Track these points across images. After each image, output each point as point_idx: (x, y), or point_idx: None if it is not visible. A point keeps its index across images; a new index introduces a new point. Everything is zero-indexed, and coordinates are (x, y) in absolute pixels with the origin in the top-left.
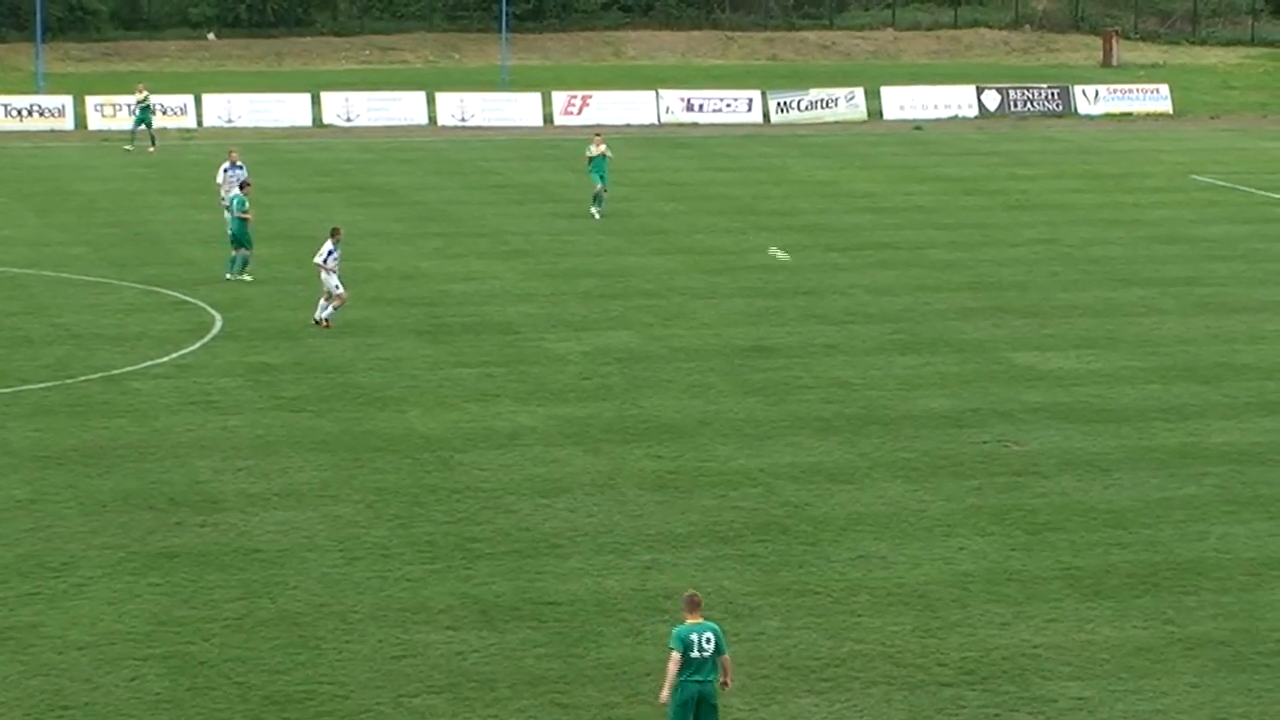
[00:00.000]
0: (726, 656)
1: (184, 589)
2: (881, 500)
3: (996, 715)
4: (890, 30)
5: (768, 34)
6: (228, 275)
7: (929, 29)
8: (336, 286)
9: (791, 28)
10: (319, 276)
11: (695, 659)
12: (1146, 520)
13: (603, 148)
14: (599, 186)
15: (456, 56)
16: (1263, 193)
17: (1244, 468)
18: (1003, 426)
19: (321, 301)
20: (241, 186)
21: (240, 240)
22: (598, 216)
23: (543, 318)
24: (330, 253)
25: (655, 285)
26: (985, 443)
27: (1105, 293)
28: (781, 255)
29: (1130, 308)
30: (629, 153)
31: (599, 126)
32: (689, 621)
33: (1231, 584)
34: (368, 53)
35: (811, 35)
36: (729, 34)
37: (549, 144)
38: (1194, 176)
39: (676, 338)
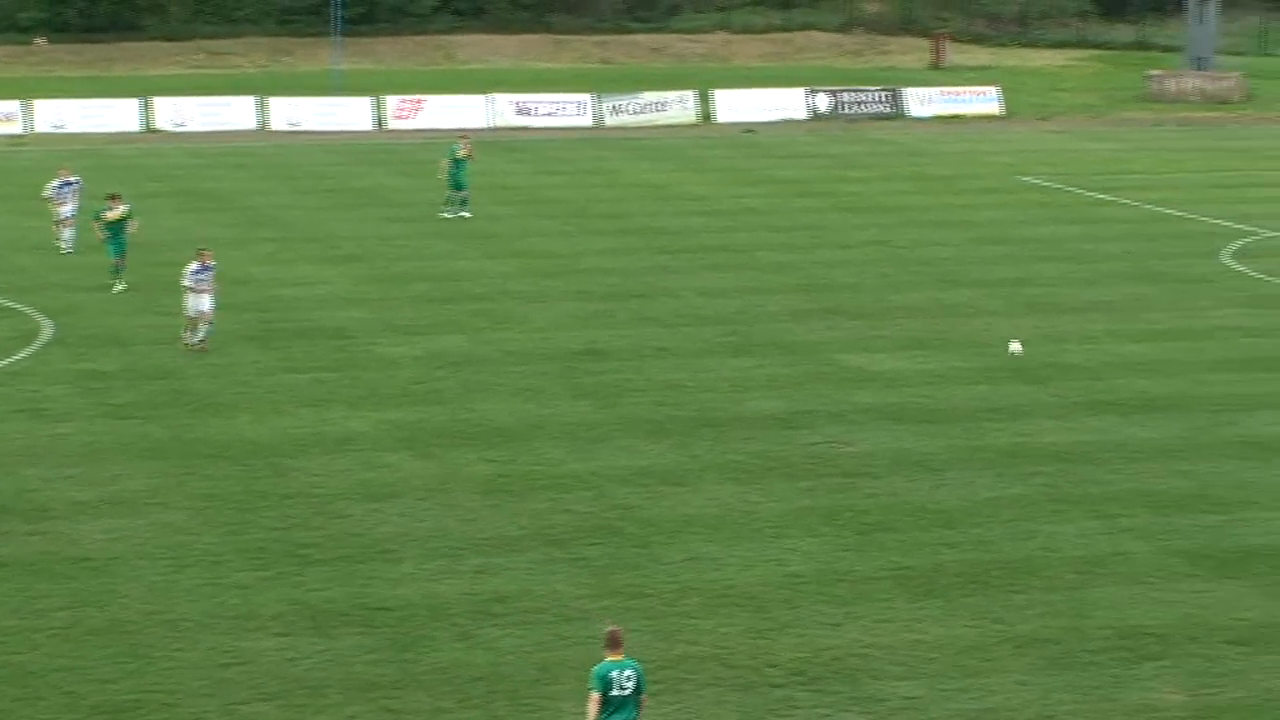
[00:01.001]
0: (645, 696)
1: (12, 599)
2: (713, 502)
3: (827, 715)
4: (722, 33)
5: (600, 37)
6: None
7: (761, 32)
8: (194, 309)
9: (623, 31)
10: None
11: (616, 697)
12: (975, 520)
13: (468, 149)
14: (464, 192)
15: (288, 61)
16: (1090, 193)
17: (1071, 467)
18: (833, 428)
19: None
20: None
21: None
22: (468, 215)
23: (374, 322)
24: (195, 272)
25: (487, 289)
26: (816, 444)
27: (935, 294)
28: (1017, 347)
29: (960, 309)
30: None
31: (431, 131)
32: (609, 659)
33: (1059, 582)
34: (199, 57)
35: (643, 38)
36: (561, 37)
37: (381, 148)
38: (1022, 178)
39: (508, 341)
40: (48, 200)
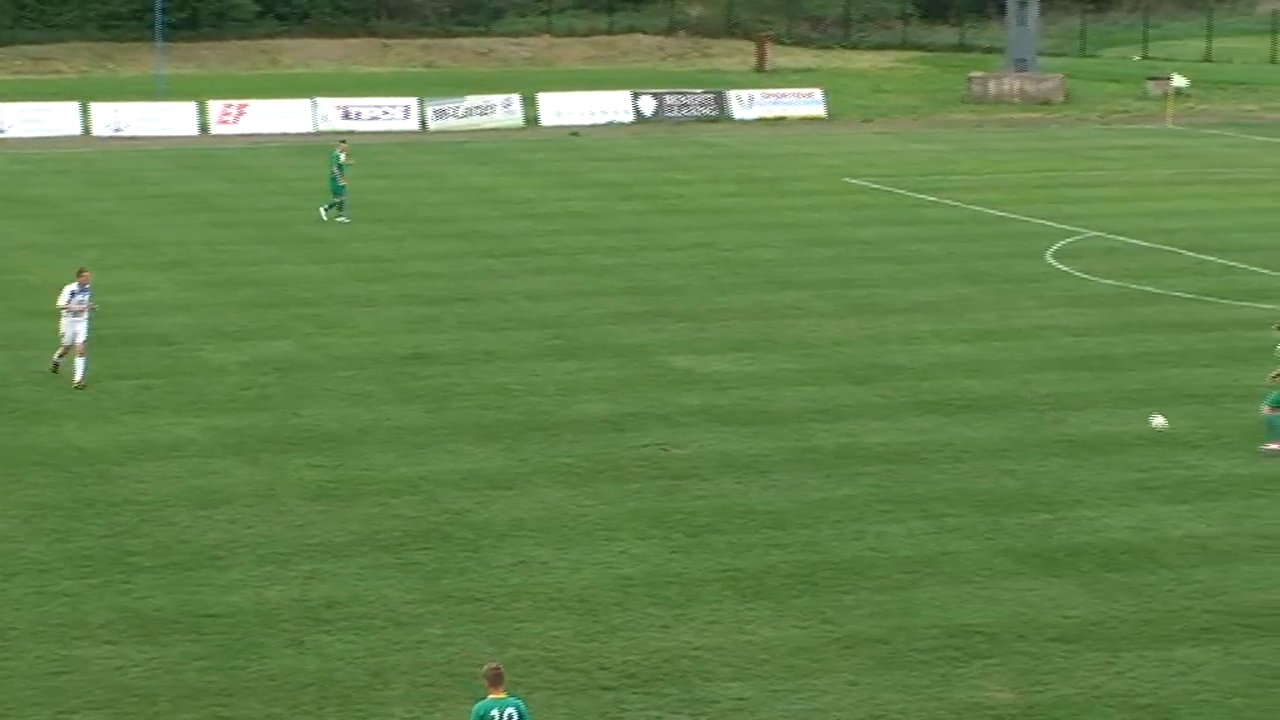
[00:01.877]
0: None
1: None
2: (542, 506)
3: (659, 718)
4: (547, 36)
5: (424, 41)
6: None
7: (585, 35)
8: (70, 335)
9: (448, 35)
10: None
11: None
12: (805, 521)
13: (347, 154)
14: (340, 197)
15: (111, 66)
16: (915, 195)
17: (899, 467)
18: (662, 430)
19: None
20: None
21: None
22: (346, 220)
23: (200, 328)
24: (73, 294)
25: (314, 294)
26: (645, 446)
27: (762, 296)
28: (1160, 422)
29: (786, 310)
30: (285, 161)
31: (256, 135)
32: (491, 696)
33: (888, 582)
34: (19, 63)
35: (468, 42)
36: (386, 41)
37: (206, 153)
38: (847, 179)
39: (336, 346)
40: None
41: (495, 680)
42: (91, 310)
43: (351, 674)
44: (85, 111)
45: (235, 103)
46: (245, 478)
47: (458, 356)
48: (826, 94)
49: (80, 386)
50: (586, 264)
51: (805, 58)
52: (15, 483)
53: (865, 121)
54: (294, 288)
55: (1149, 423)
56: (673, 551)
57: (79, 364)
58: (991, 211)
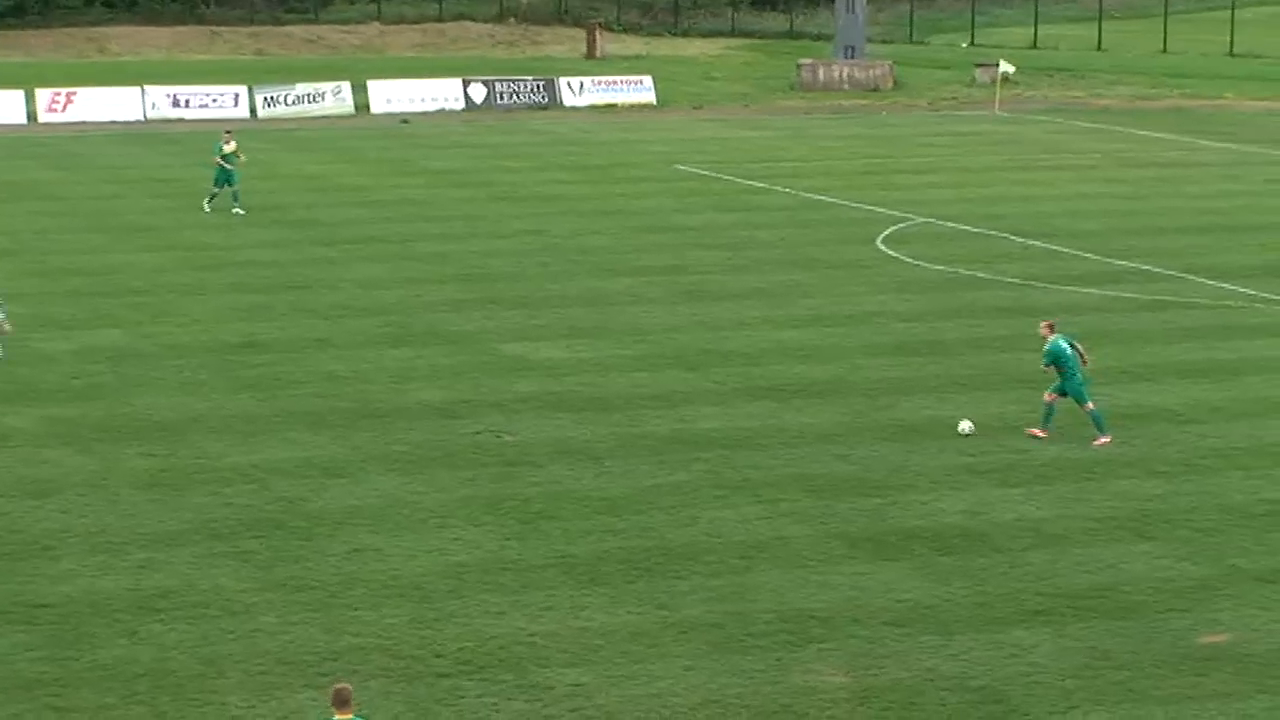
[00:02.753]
0: None
1: None
2: (375, 493)
3: (494, 704)
4: (376, 24)
5: (254, 29)
6: None
7: (415, 23)
8: None
9: (278, 22)
10: None
11: None
12: (638, 506)
13: (233, 145)
14: (228, 189)
15: None
16: (743, 181)
17: (732, 452)
18: (495, 417)
19: None
20: None
21: None
22: (242, 213)
23: (29, 317)
24: None
25: (144, 282)
26: (478, 433)
27: (593, 282)
28: (967, 427)
29: (618, 297)
30: (114, 150)
31: (84, 124)
32: (337, 718)
33: (722, 567)
34: None
35: (298, 30)
36: (215, 29)
37: (33, 141)
38: (678, 166)
39: (167, 335)
40: None
41: (341, 702)
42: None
43: (185, 663)
44: None
45: (63, 91)
46: (77, 467)
47: (290, 345)
48: (657, 81)
49: None
50: (418, 251)
51: (635, 45)
52: None
53: (695, 109)
54: (124, 276)
55: (958, 429)
56: (507, 538)
57: None
58: (821, 198)
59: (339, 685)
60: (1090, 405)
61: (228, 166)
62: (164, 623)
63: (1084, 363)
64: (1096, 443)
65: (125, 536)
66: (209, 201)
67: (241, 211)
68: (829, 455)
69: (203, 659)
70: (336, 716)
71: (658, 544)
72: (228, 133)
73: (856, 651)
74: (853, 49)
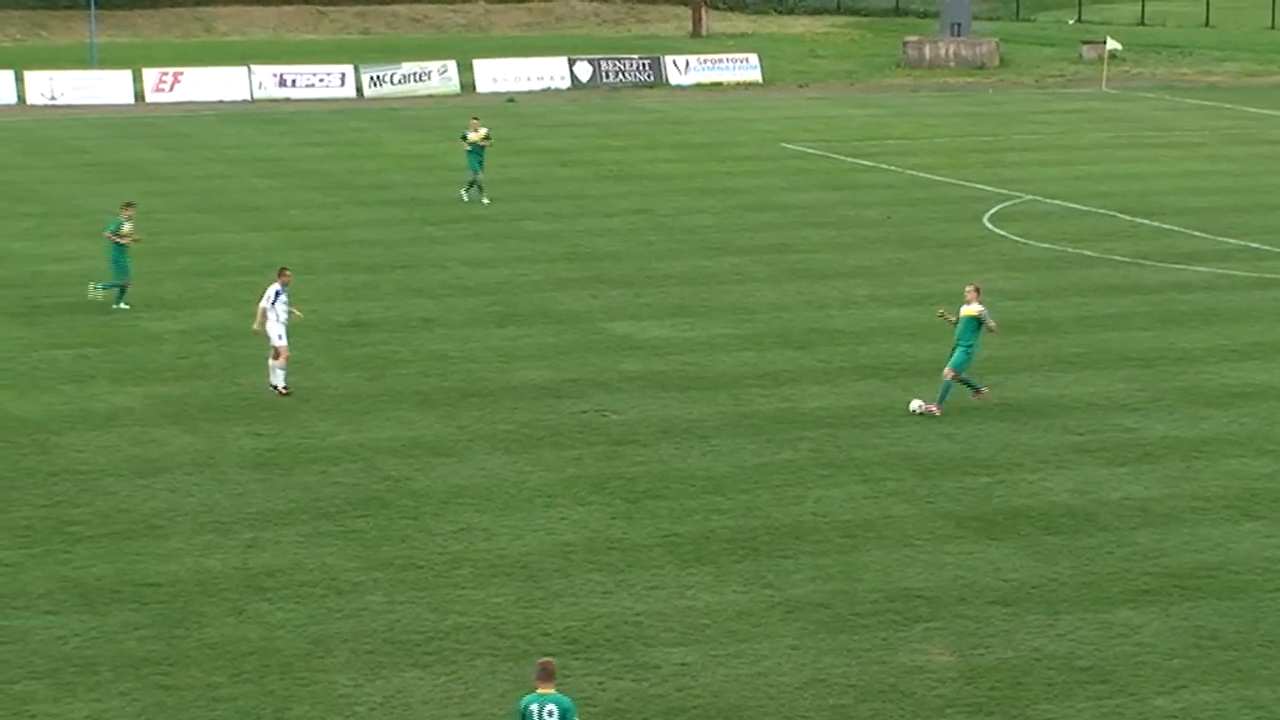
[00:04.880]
0: None
1: None
2: (482, 472)
3: (600, 683)
4: (482, 2)
5: (359, 8)
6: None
7: (520, 1)
8: (279, 337)
9: (383, 1)
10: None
11: None
12: (744, 486)
13: (481, 133)
14: (477, 174)
15: (45, 35)
16: (851, 159)
17: (838, 431)
18: (601, 396)
19: (271, 363)
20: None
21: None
22: (465, 199)
23: (138, 296)
24: (278, 294)
25: (251, 262)
26: (584, 413)
27: (700, 261)
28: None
29: (724, 275)
30: (221, 130)
31: (191, 104)
32: (538, 691)
33: (829, 546)
34: None
35: (403, 9)
36: (321, 9)
37: (141, 121)
38: (784, 144)
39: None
40: None
41: (545, 675)
42: (292, 316)
43: (293, 642)
44: (19, 80)
45: (170, 71)
46: (184, 446)
47: (396, 324)
48: (762, 59)
49: (284, 391)
50: (524, 230)
51: (741, 23)
52: None
53: (801, 87)
54: (231, 256)
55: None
56: (613, 517)
57: (281, 365)
58: (928, 176)
59: (544, 659)
60: (953, 374)
61: (470, 148)
62: (271, 601)
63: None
64: (918, 405)
65: (233, 515)
66: (466, 190)
67: (486, 201)
68: (935, 434)
69: (310, 638)
70: (540, 690)
71: (764, 523)
72: (474, 119)
73: (963, 631)
74: (958, 26)
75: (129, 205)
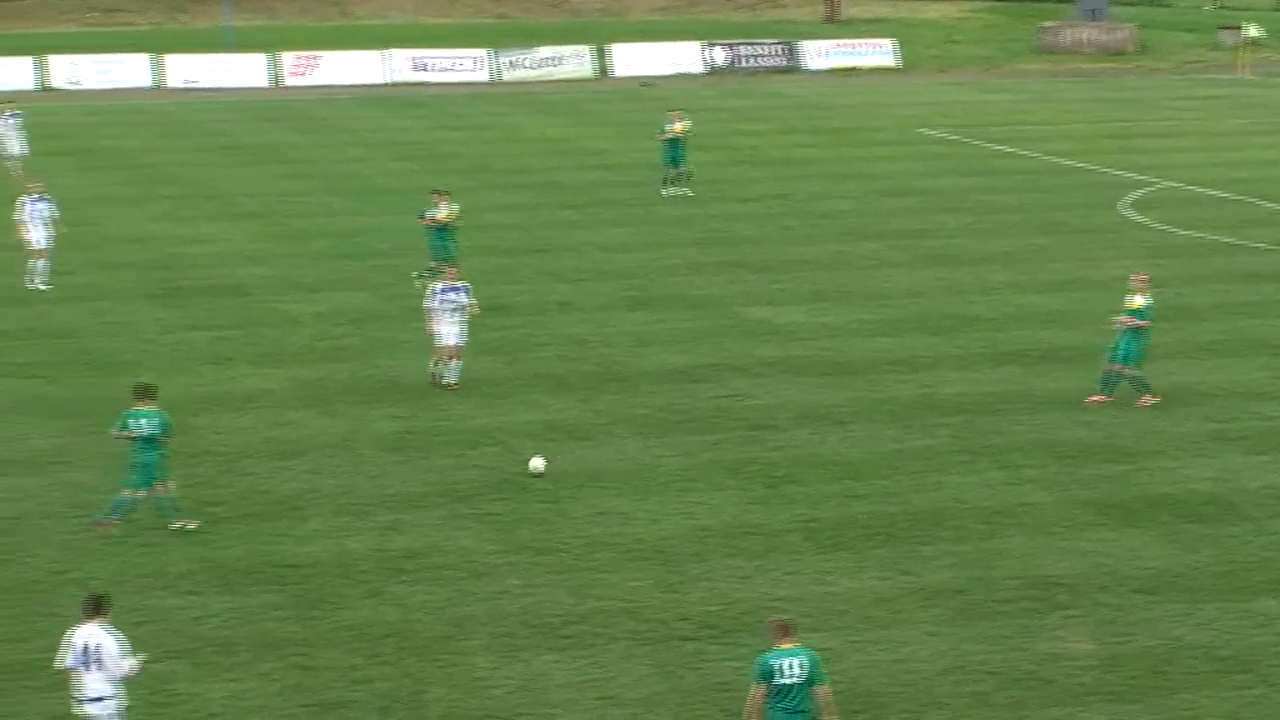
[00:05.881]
0: (825, 688)
1: None
2: (619, 456)
3: (739, 668)
4: None
5: None
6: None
7: None
8: (437, 336)
9: None
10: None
11: (783, 685)
12: (882, 472)
13: (682, 125)
14: (677, 169)
15: (182, 18)
16: (988, 145)
17: (975, 418)
18: (737, 381)
19: (445, 359)
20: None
21: None
22: (665, 194)
23: (276, 279)
24: (439, 293)
25: (388, 245)
26: (721, 398)
27: (836, 246)
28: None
29: (861, 260)
30: (358, 113)
31: (328, 87)
32: (779, 648)
33: (967, 533)
34: (92, 15)
35: None
36: None
37: (278, 105)
38: (921, 130)
39: (411, 298)
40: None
41: (784, 632)
42: (472, 310)
43: (431, 625)
44: (157, 64)
45: (307, 54)
46: (322, 428)
47: (533, 307)
48: (898, 44)
49: (447, 385)
50: (660, 215)
51: (877, 8)
52: (94, 434)
53: (938, 72)
54: (368, 239)
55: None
56: (750, 502)
57: (453, 367)
58: (1066, 162)
59: (778, 618)
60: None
61: (670, 140)
62: (409, 584)
63: None
64: None
65: (371, 497)
66: (665, 187)
67: (690, 193)
68: (1073, 421)
69: (448, 620)
70: (781, 645)
71: (902, 509)
72: (675, 112)
73: (1103, 619)
74: (1096, 11)
75: (439, 192)
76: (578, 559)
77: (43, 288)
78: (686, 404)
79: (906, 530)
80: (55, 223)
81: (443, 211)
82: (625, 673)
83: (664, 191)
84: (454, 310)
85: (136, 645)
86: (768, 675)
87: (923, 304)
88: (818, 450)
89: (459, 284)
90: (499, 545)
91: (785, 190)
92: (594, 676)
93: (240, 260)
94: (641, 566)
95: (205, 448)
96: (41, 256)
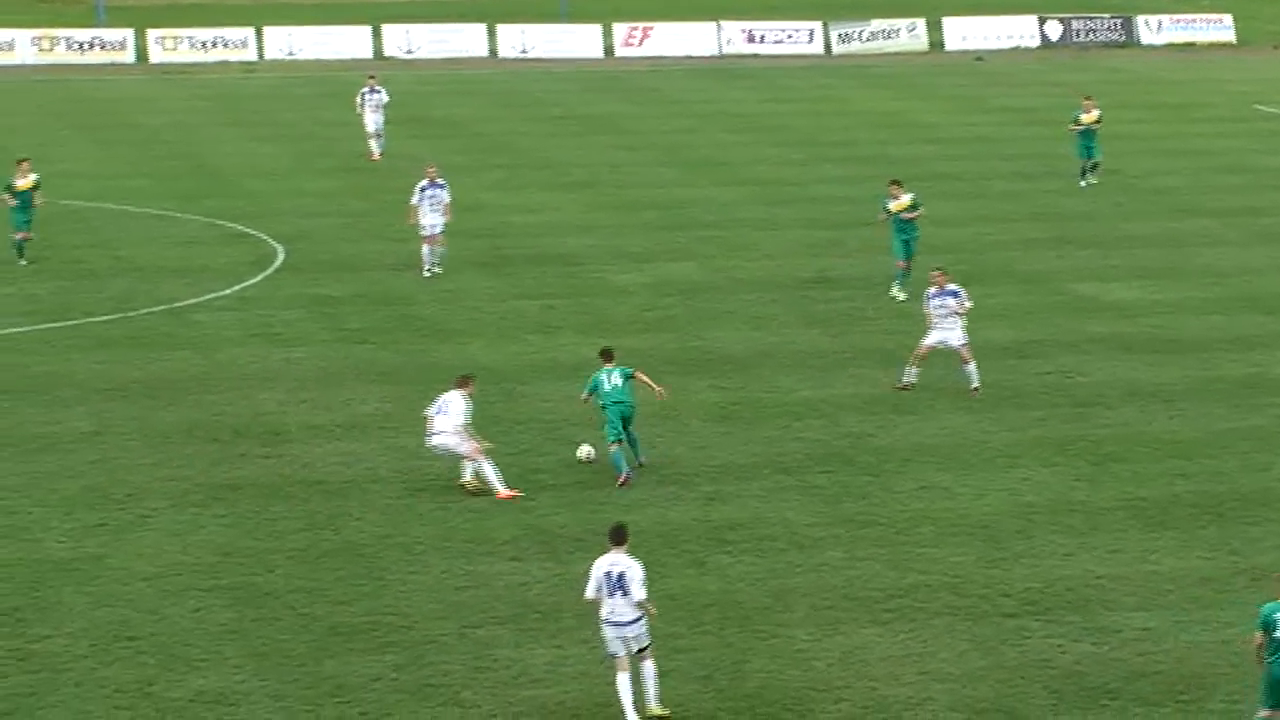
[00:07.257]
0: None
1: (248, 520)
2: (944, 431)
3: (1060, 646)
4: None
5: None
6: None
7: None
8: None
9: None
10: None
11: (1277, 639)
12: (1211, 451)
13: (1094, 114)
14: (1089, 160)
15: None
16: None
17: None
18: (1066, 358)
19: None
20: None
21: None
22: (1084, 185)
23: (604, 250)
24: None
25: (717, 217)
26: (1049, 374)
27: (1168, 223)
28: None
29: (1193, 238)
30: (689, 84)
31: (659, 58)
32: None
33: None
34: None
35: None
36: None
37: (609, 75)
38: (1258, 106)
39: (738, 269)
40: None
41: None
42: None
43: (752, 595)
44: (492, 33)
45: (640, 25)
46: (647, 399)
47: (861, 281)
48: (1237, 19)
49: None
50: (990, 189)
51: None
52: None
53: (1276, 48)
54: (697, 210)
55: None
56: (1076, 479)
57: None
58: None
59: None
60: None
61: (1083, 130)
62: (731, 554)
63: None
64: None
65: (694, 468)
66: (1083, 178)
67: (1093, 182)
68: None
69: (769, 591)
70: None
71: (1230, 489)
72: (1088, 99)
73: None
74: None
75: (896, 183)
76: (900, 533)
77: (428, 275)
78: (1014, 380)
79: (1234, 510)
80: (447, 208)
81: (901, 200)
82: (946, 648)
83: (1082, 183)
84: (946, 315)
85: (461, 610)
86: (1269, 626)
87: (1256, 283)
88: (1145, 428)
89: (949, 286)
90: (821, 518)
91: (1117, 166)
92: (914, 651)
93: (569, 230)
94: (964, 541)
95: (531, 415)
96: (430, 242)
